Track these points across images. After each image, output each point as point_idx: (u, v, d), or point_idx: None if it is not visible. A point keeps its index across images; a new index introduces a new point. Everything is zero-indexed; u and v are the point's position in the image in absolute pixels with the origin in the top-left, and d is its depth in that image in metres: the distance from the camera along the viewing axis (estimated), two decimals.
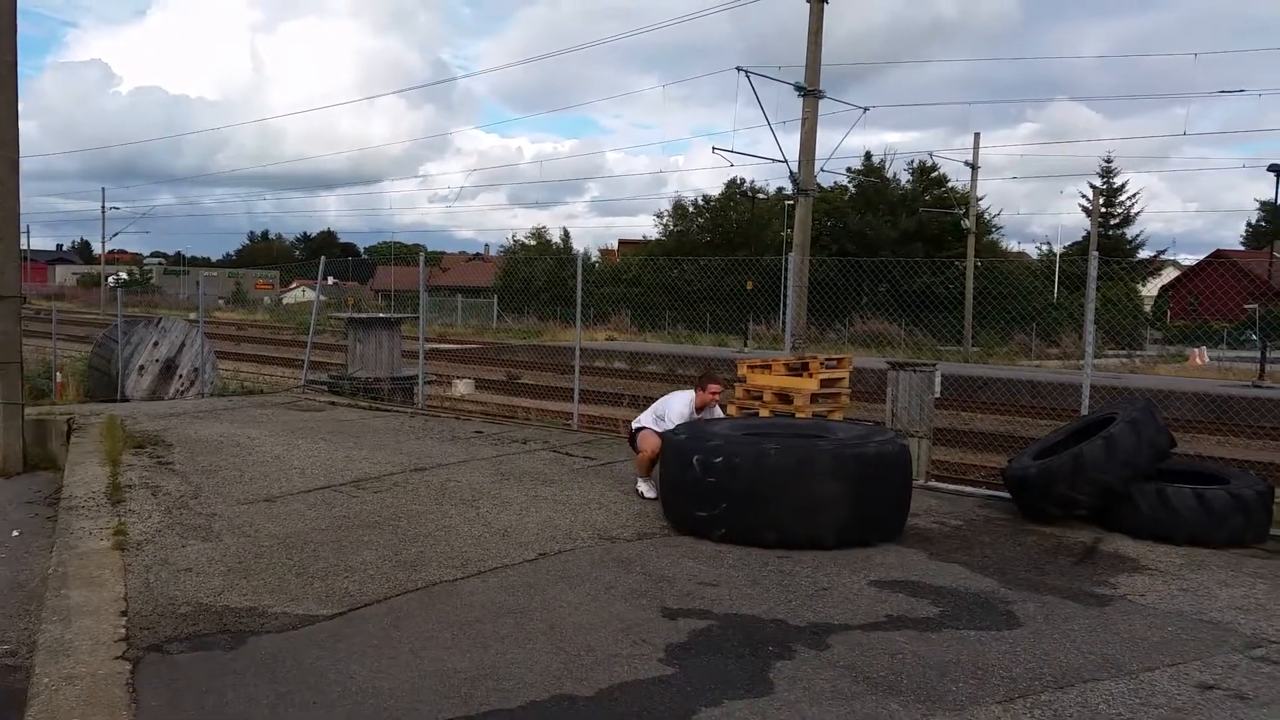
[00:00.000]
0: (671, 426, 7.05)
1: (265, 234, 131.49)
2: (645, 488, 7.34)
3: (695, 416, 7.35)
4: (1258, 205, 75.29)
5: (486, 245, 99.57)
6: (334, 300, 52.03)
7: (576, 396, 11.67)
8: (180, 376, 16.37)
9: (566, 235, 67.53)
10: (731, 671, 4.04)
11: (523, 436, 10.27)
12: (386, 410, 12.52)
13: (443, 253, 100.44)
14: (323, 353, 22.13)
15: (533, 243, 65.95)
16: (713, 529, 6.14)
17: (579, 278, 11.83)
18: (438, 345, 32.24)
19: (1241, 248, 65.78)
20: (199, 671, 3.98)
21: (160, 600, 4.80)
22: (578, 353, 11.90)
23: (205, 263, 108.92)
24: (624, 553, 5.85)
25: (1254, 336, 33.50)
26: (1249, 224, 75.28)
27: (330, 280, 75.83)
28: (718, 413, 7.67)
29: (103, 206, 70.44)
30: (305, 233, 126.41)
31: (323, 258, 18.08)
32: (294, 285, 76.58)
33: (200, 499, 6.98)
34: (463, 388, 19.80)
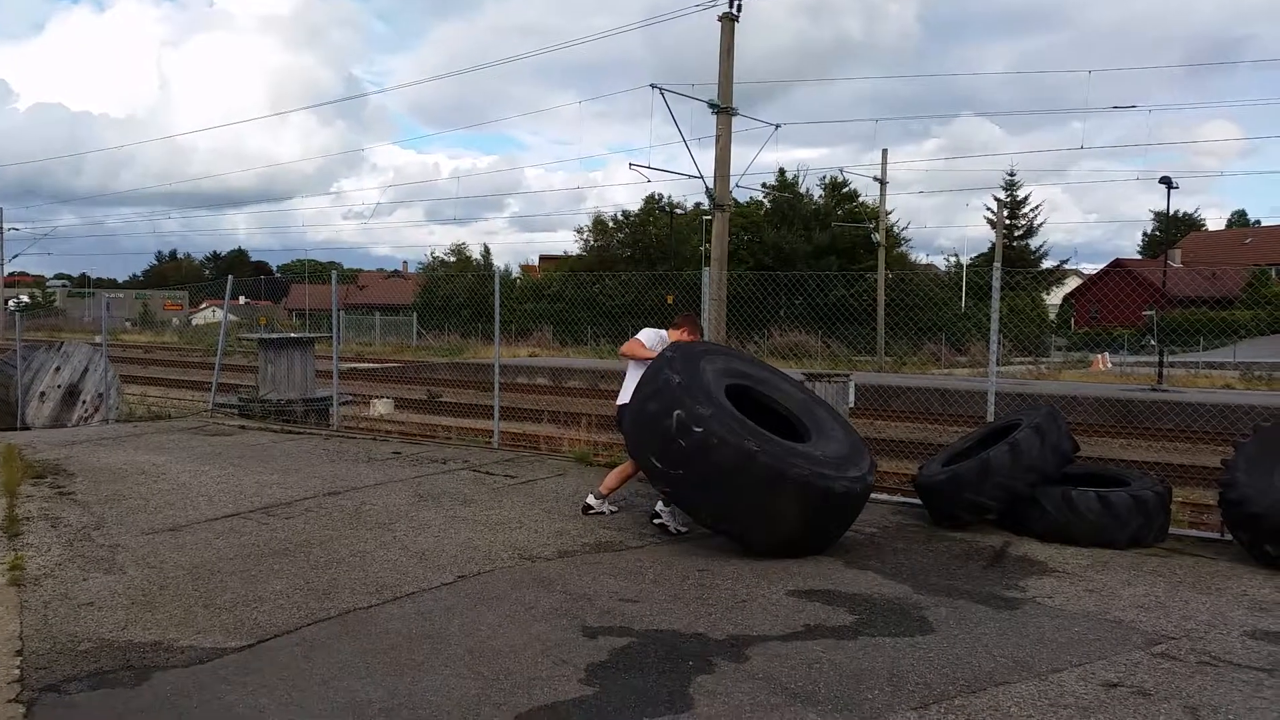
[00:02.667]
0: (647, 345, 7.03)
1: (173, 254, 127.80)
2: (596, 501, 7.27)
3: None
4: (1152, 216, 78.94)
5: (405, 262, 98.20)
6: (246, 320, 50.70)
7: (497, 414, 11.55)
8: (84, 403, 15.73)
9: (487, 251, 67.05)
10: (652, 688, 4.02)
11: (442, 456, 10.12)
12: (300, 433, 12.22)
13: (359, 270, 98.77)
14: (233, 374, 21.54)
15: (452, 259, 65.30)
16: (662, 482, 6.19)
17: (496, 294, 11.73)
18: (355, 365, 31.64)
19: (1139, 256, 68.78)
20: (99, 711, 3.81)
21: (59, 637, 4.59)
22: (496, 370, 11.78)
23: (111, 284, 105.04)
24: (545, 572, 5.80)
25: (1152, 342, 34.99)
26: (1145, 233, 78.86)
27: (242, 300, 73.95)
28: None
29: None
30: (215, 252, 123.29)
31: (230, 276, 17.59)
32: (204, 305, 74.43)
33: (103, 530, 6.71)
34: (381, 408, 19.41)
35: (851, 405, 8.47)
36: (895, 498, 8.15)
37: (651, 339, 7.25)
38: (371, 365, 33.18)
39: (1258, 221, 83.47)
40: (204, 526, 6.85)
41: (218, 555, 6.08)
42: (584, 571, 5.81)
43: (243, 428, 12.57)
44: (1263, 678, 4.21)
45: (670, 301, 35.55)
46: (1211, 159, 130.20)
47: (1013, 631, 4.80)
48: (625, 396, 7.03)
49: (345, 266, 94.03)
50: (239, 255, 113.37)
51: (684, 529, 6.79)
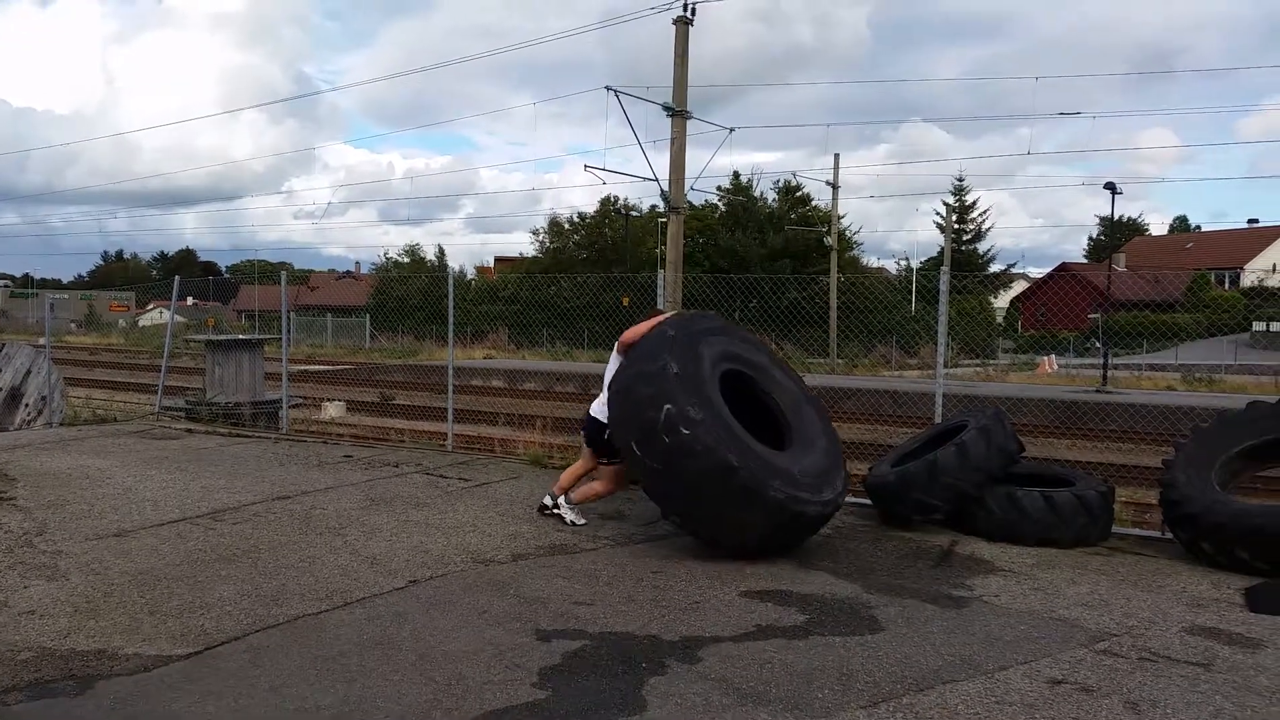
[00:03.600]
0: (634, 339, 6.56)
1: (120, 254, 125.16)
2: (568, 512, 7.00)
3: None
4: (1097, 220, 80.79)
5: (357, 263, 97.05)
6: (194, 321, 49.76)
7: (451, 416, 11.48)
8: (26, 406, 15.30)
9: (442, 253, 66.64)
10: (605, 691, 4.03)
11: (395, 460, 10.03)
12: (248, 436, 12.03)
13: (311, 270, 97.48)
14: (180, 377, 21.12)
15: (406, 260, 64.73)
16: (637, 468, 6.19)
17: (450, 295, 11.66)
18: (306, 367, 31.21)
19: (1084, 260, 70.28)
20: None
21: None
22: (450, 371, 11.71)
23: (56, 285, 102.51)
24: (498, 575, 5.78)
25: (1097, 344, 35.78)
26: (1090, 238, 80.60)
27: (190, 301, 72.59)
28: None
29: None
30: (163, 251, 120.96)
31: (177, 277, 17.26)
32: (151, 306, 72.95)
33: (45, 536, 6.55)
34: (333, 410, 19.18)
35: None
36: (848, 499, 8.24)
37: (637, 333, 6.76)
38: (323, 367, 32.76)
39: (1198, 227, 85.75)
40: (149, 532, 6.72)
41: (164, 561, 5.97)
42: (538, 575, 5.80)
43: (189, 431, 12.34)
44: (1199, 673, 4.33)
45: (626, 304, 35.62)
46: (1152, 165, 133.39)
47: (960, 630, 4.88)
48: (599, 410, 6.80)
49: (296, 267, 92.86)
50: (187, 255, 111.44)
51: (581, 522, 7.00)
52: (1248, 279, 55.81)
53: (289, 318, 13.62)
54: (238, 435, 12.11)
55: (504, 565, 6.01)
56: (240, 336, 16.39)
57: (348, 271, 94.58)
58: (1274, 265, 56.94)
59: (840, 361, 34.03)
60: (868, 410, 18.15)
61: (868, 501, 7.58)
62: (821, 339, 35.85)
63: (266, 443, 11.38)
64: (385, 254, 79.80)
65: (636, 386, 6.04)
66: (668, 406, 5.77)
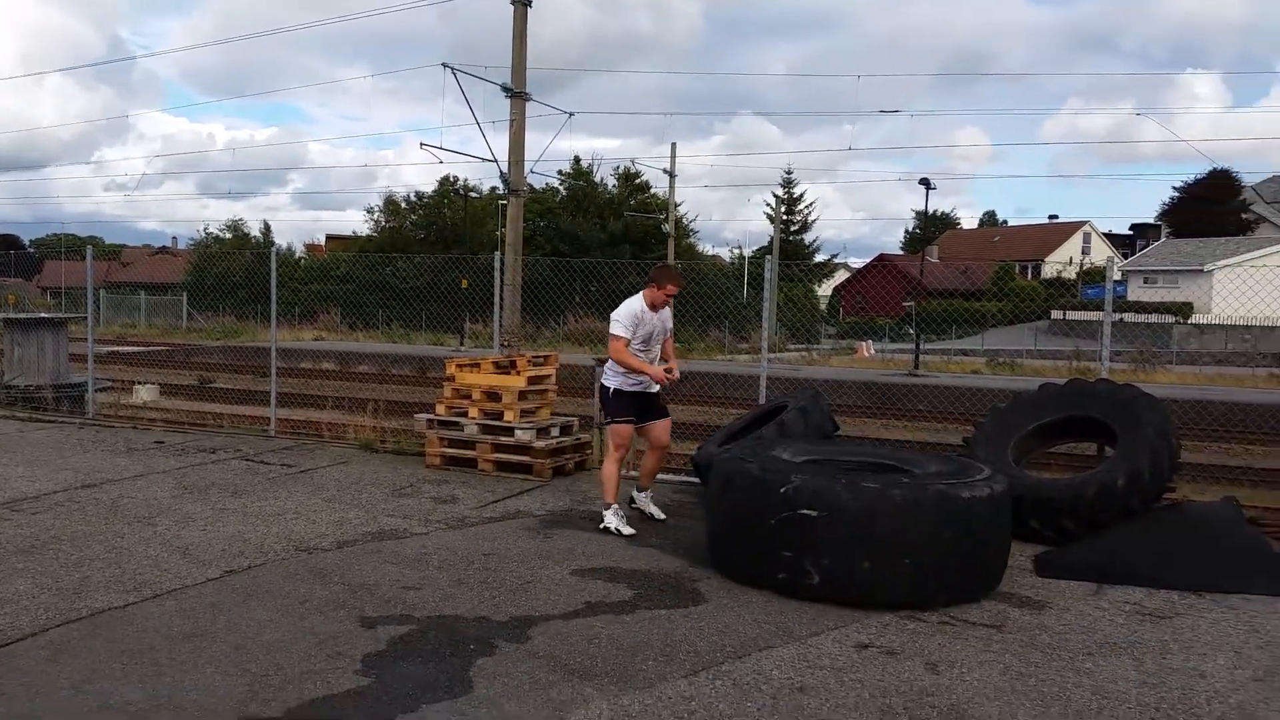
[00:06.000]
0: (625, 332, 6.42)
1: None
2: (615, 522, 6.45)
3: (649, 316, 6.57)
4: (913, 214, 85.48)
5: (174, 238, 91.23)
6: None
7: (274, 400, 11.02)
8: None
9: (267, 229, 63.61)
10: (431, 675, 4.01)
11: (212, 445, 9.56)
12: (50, 422, 11.19)
13: (123, 245, 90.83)
14: None
15: (228, 236, 61.43)
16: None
17: (273, 271, 11.15)
18: (117, 348, 29.24)
19: (901, 252, 74.22)
20: None
21: None
22: (273, 352, 11.24)
23: None
24: (322, 563, 5.63)
25: (911, 330, 37.93)
26: (907, 231, 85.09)
27: None
28: (667, 319, 6.76)
29: None
30: None
31: None
32: None
33: None
34: (145, 394, 18.02)
35: None
36: (679, 477, 8.47)
37: (626, 316, 6.50)
38: (135, 348, 30.76)
39: (1005, 221, 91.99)
40: None
41: None
42: (364, 561, 5.68)
43: None
44: (992, 634, 4.71)
45: (465, 286, 35.10)
46: (965, 163, 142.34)
47: (777, 599, 5.12)
48: (609, 379, 6.65)
49: (108, 242, 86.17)
50: None
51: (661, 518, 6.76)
52: (1048, 270, 60.44)
53: (96, 295, 12.70)
54: (39, 420, 11.25)
55: (328, 553, 5.86)
56: (42, 314, 15.22)
57: (164, 247, 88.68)
58: (1070, 258, 61.87)
59: (677, 345, 34.61)
60: (701, 392, 18.63)
61: (697, 480, 7.80)
62: None
63: (71, 428, 10.63)
64: (205, 229, 75.53)
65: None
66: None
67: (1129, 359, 27.03)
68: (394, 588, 5.17)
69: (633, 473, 7.82)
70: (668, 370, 6.52)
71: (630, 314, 6.49)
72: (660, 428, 6.72)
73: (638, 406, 6.61)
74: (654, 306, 6.58)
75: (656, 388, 6.67)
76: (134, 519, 6.50)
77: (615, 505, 6.52)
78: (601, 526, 6.49)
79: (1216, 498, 6.74)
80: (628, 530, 6.42)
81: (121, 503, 6.96)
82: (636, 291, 6.72)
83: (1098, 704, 3.89)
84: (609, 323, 6.56)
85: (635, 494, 7.03)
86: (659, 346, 6.77)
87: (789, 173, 60.42)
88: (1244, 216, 57.27)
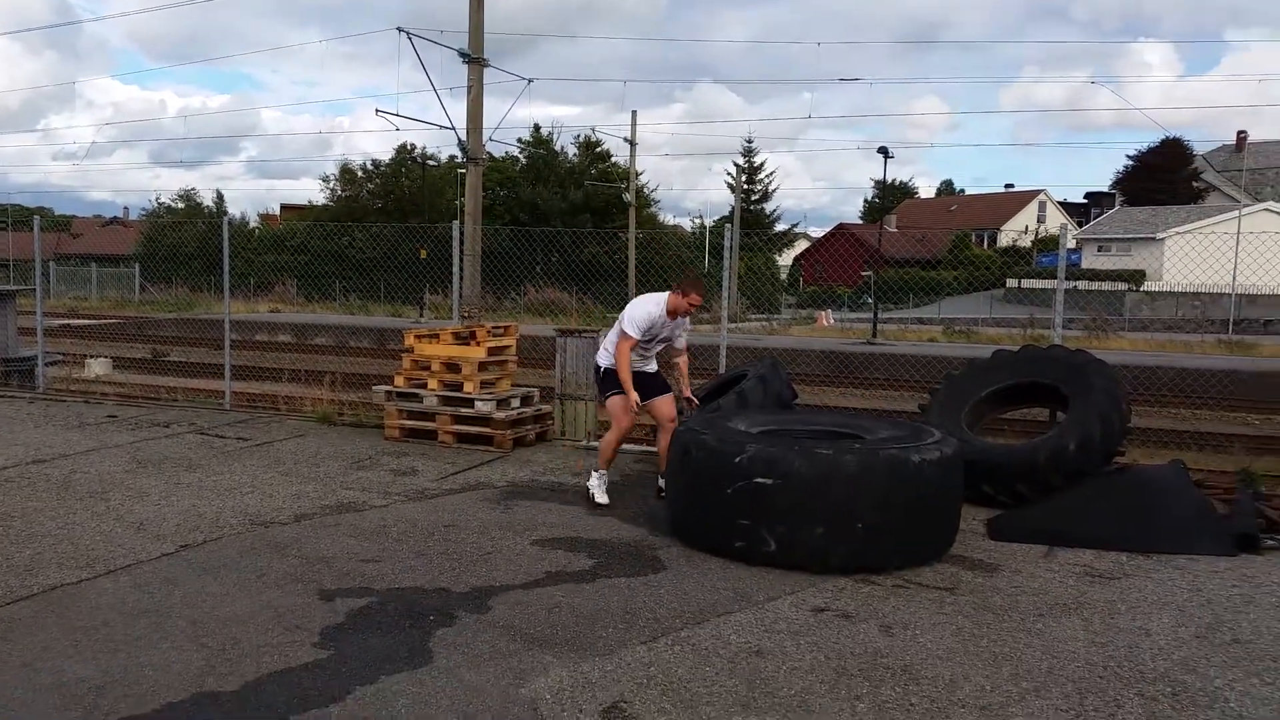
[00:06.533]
0: (634, 333, 6.34)
1: None
2: (597, 487, 6.52)
3: (663, 322, 6.49)
4: (872, 183, 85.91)
5: (125, 208, 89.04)
6: None
7: (228, 373, 10.87)
8: None
9: (220, 198, 62.42)
10: (391, 647, 4.01)
11: (166, 419, 9.42)
12: (0, 397, 10.95)
13: (73, 216, 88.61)
14: None
15: (181, 206, 60.18)
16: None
17: (225, 242, 10.94)
18: (68, 321, 28.59)
19: (860, 221, 74.67)
20: None
21: None
22: (227, 324, 11.07)
23: None
24: (279, 537, 5.58)
25: (869, 299, 38.26)
26: (866, 200, 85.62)
27: None
28: (682, 335, 6.77)
29: None
30: None
31: None
32: None
33: None
34: (97, 368, 17.67)
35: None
36: (640, 447, 8.50)
37: (642, 318, 6.42)
38: (87, 322, 30.10)
39: (962, 190, 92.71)
40: None
41: None
42: (322, 534, 5.65)
43: None
44: (945, 596, 4.81)
45: (424, 256, 34.74)
46: (922, 132, 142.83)
47: (735, 565, 5.18)
48: (604, 358, 6.62)
49: (56, 212, 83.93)
50: None
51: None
52: (1004, 239, 61.13)
53: (45, 267, 12.39)
54: None
55: (286, 526, 5.81)
56: None
57: (115, 218, 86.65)
58: (1026, 227, 62.60)
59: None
60: (661, 362, 18.66)
61: (655, 449, 7.82)
62: (621, 293, 36.38)
63: (21, 403, 10.42)
64: (157, 199, 73.94)
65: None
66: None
67: (1082, 326, 27.45)
68: (353, 560, 5.15)
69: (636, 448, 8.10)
70: (681, 396, 6.75)
71: (646, 317, 6.44)
72: (663, 403, 6.72)
73: (637, 386, 6.56)
74: (674, 313, 6.53)
75: (654, 366, 6.79)
76: (86, 494, 6.40)
77: (605, 473, 6.62)
78: (586, 484, 6.70)
79: (1165, 461, 6.90)
80: (602, 499, 6.47)
81: (74, 478, 6.85)
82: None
83: (1048, 663, 3.99)
84: (620, 318, 6.52)
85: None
86: (660, 348, 6.81)
87: (749, 141, 60.35)
88: (1195, 185, 58.19)
